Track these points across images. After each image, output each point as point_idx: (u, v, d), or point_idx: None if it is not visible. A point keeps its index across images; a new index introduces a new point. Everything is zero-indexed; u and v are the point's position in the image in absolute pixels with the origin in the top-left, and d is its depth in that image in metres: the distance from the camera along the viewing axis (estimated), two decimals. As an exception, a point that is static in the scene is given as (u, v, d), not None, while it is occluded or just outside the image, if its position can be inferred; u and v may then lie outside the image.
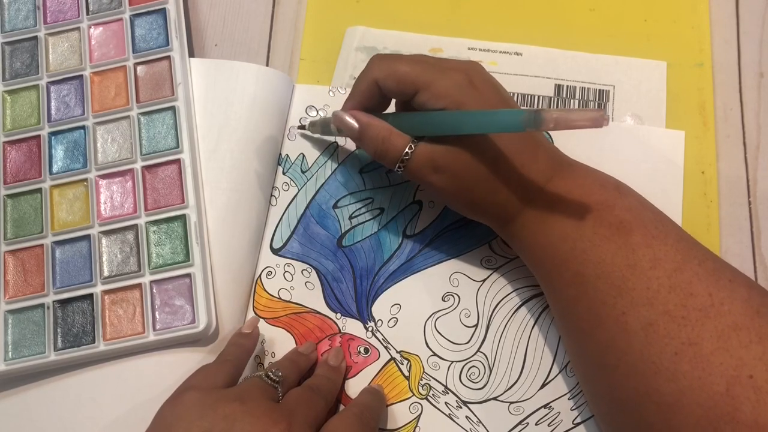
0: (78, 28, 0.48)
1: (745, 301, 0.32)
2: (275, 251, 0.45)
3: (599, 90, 0.47)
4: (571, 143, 0.40)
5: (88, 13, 0.48)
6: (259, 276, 0.44)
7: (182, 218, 0.43)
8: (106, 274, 0.42)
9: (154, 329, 0.41)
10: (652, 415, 0.32)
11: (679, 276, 0.33)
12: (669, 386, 0.31)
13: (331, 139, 0.47)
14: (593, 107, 0.47)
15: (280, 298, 0.44)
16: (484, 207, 0.38)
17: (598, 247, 0.35)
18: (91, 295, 0.42)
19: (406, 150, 0.37)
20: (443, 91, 0.36)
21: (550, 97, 0.47)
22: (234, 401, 0.34)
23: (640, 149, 0.45)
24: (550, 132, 0.45)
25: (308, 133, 0.47)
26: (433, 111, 0.37)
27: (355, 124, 0.39)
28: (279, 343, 0.43)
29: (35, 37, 0.48)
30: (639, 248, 0.34)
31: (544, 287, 0.39)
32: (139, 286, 0.42)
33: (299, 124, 0.47)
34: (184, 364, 0.40)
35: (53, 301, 0.42)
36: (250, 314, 0.43)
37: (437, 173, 0.37)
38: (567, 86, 0.48)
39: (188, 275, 0.42)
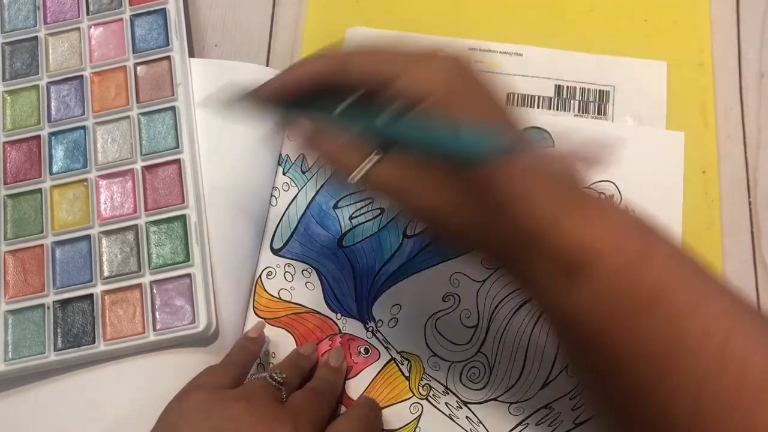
0: (78, 29, 0.48)
1: None
2: (275, 251, 0.45)
3: (599, 90, 0.47)
4: (571, 143, 0.40)
5: (88, 14, 0.48)
6: (260, 276, 0.44)
7: (182, 218, 0.43)
8: (106, 274, 0.42)
9: (155, 329, 0.41)
10: None
11: (729, 348, 0.27)
12: None
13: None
14: (593, 109, 0.47)
15: (280, 299, 0.44)
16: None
17: (638, 317, 0.28)
18: (91, 295, 0.42)
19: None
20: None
21: (551, 98, 0.47)
22: (240, 401, 0.34)
23: (640, 150, 0.45)
24: (551, 133, 0.45)
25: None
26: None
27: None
28: (279, 343, 0.43)
29: (35, 37, 0.48)
30: (685, 317, 0.28)
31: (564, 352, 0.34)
32: (139, 286, 0.42)
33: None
34: (184, 364, 0.40)
35: (53, 302, 0.42)
36: (251, 314, 0.43)
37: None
38: (567, 87, 0.48)
39: (188, 275, 0.42)
